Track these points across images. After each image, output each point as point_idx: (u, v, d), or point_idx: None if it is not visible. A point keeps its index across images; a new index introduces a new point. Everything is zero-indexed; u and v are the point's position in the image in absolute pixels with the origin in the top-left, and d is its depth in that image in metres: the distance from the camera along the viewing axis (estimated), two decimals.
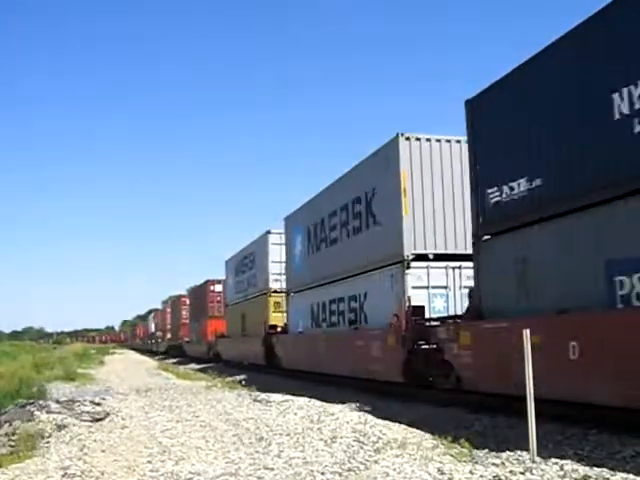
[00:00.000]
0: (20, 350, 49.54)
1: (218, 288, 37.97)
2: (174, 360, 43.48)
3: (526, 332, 6.85)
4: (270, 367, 23.32)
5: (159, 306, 79.97)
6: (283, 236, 23.56)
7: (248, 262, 28.59)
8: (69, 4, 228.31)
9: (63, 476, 6.59)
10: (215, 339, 34.21)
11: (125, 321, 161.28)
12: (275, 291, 24.62)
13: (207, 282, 39.25)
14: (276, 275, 24.46)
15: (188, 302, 47.89)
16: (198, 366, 32.92)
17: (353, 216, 16.04)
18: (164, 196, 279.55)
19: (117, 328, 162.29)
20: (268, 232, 25.12)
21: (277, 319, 24.24)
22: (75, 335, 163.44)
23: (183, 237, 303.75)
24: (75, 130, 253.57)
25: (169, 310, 58.63)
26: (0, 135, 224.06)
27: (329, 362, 17.15)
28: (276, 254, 24.48)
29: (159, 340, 63.18)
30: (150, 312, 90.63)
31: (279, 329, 23.54)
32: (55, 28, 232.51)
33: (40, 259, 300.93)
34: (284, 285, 23.36)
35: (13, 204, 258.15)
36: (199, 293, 42.30)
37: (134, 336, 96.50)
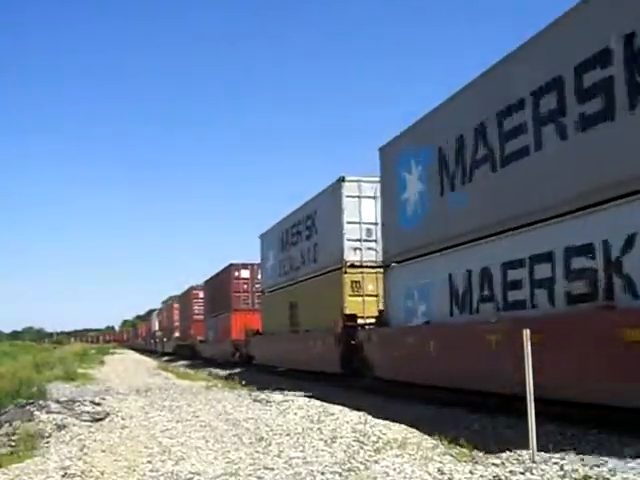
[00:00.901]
0: (20, 350, 49.57)
1: (245, 274, 31.37)
2: (185, 362, 38.78)
3: (526, 332, 6.84)
4: (347, 376, 16.38)
5: (159, 306, 77.15)
6: (364, 185, 17.26)
7: (303, 229, 20.95)
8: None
9: (63, 476, 6.59)
10: (245, 338, 27.87)
11: (125, 321, 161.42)
12: (353, 265, 17.26)
13: (230, 267, 32.05)
14: (354, 242, 17.28)
15: (202, 295, 42.12)
16: (223, 372, 26.47)
17: (600, 91, 8.09)
18: (164, 196, 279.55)
19: (117, 328, 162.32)
20: (342, 179, 17.48)
21: (355, 306, 16.99)
22: (75, 335, 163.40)
23: (183, 237, 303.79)
24: (75, 128, 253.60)
25: (177, 306, 53.01)
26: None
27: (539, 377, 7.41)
28: (353, 211, 17.35)
29: (164, 339, 57.50)
30: (151, 312, 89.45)
31: (361, 320, 16.58)
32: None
33: (40, 259, 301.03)
34: (366, 257, 17.15)
35: (13, 204, 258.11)
36: (219, 282, 34.79)
37: (136, 336, 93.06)
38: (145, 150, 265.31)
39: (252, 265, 31.21)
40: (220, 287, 34.42)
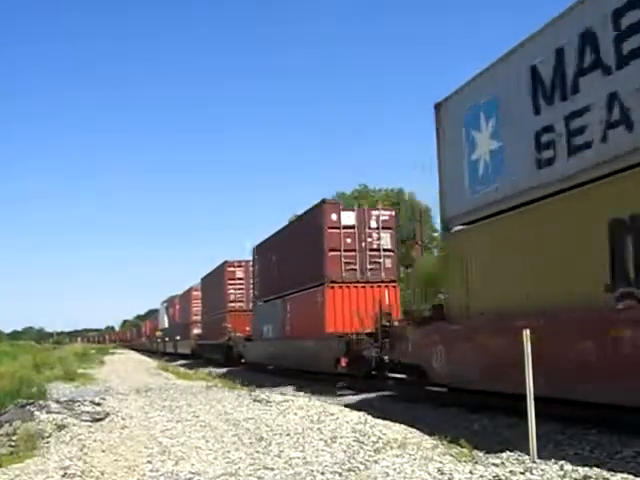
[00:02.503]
0: (20, 350, 49.52)
1: (348, 219, 19.06)
2: (224, 369, 28.46)
3: (526, 332, 6.84)
4: None
5: (159, 307, 70.47)
6: None
7: None
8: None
9: (63, 476, 6.59)
10: (388, 330, 14.78)
11: (125, 321, 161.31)
12: None
13: (320, 208, 19.37)
14: None
15: (242, 274, 31.91)
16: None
17: None
18: (164, 197, 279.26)
19: (117, 328, 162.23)
20: None
21: None
22: (76, 335, 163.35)
23: (183, 238, 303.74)
24: (75, 128, 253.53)
25: (196, 294, 41.55)
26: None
27: None
28: None
29: (177, 338, 46.75)
30: (151, 312, 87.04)
31: None
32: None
33: (40, 259, 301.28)
34: None
35: (13, 205, 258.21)
36: (291, 241, 22.18)
37: (140, 335, 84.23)
38: (144, 150, 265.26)
39: (361, 210, 19.76)
40: (294, 249, 21.71)
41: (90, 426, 9.93)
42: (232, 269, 32.73)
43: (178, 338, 46.44)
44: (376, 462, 6.67)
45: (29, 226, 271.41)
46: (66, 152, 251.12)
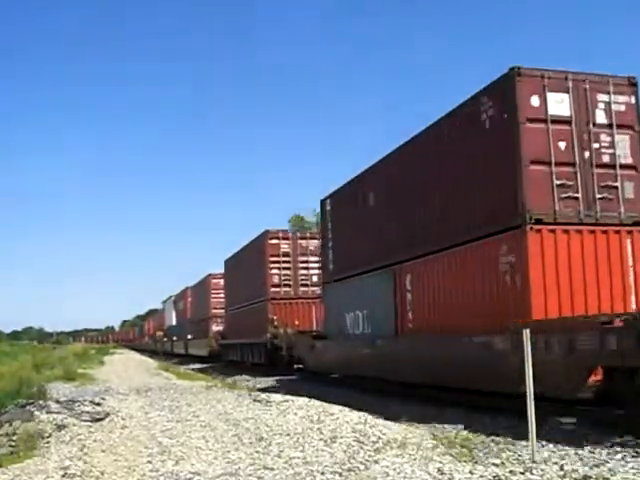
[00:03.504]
0: (20, 350, 49.54)
1: (561, 107, 10.18)
2: (271, 379, 20.80)
3: (526, 332, 6.85)
4: None
5: (159, 306, 66.14)
6: None
7: None
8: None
9: (63, 476, 6.60)
10: None
11: (125, 321, 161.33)
12: None
13: (514, 77, 10.04)
14: None
15: (284, 249, 24.42)
16: None
17: None
18: (163, 197, 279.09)
19: (117, 328, 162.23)
20: None
21: None
22: (77, 335, 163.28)
23: (183, 238, 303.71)
24: (74, 128, 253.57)
25: (216, 282, 34.00)
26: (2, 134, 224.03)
27: None
28: None
29: (188, 337, 39.71)
30: (151, 312, 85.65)
31: None
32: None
33: (40, 259, 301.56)
34: None
35: (13, 205, 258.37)
36: (428, 162, 12.30)
37: (142, 334, 78.66)
38: (141, 149, 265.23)
39: (580, 90, 10.45)
40: (437, 171, 12.26)
41: (90, 426, 9.94)
42: (276, 241, 24.34)
43: (190, 337, 39.09)
44: (376, 462, 6.67)
45: (29, 226, 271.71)
46: (66, 155, 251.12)
